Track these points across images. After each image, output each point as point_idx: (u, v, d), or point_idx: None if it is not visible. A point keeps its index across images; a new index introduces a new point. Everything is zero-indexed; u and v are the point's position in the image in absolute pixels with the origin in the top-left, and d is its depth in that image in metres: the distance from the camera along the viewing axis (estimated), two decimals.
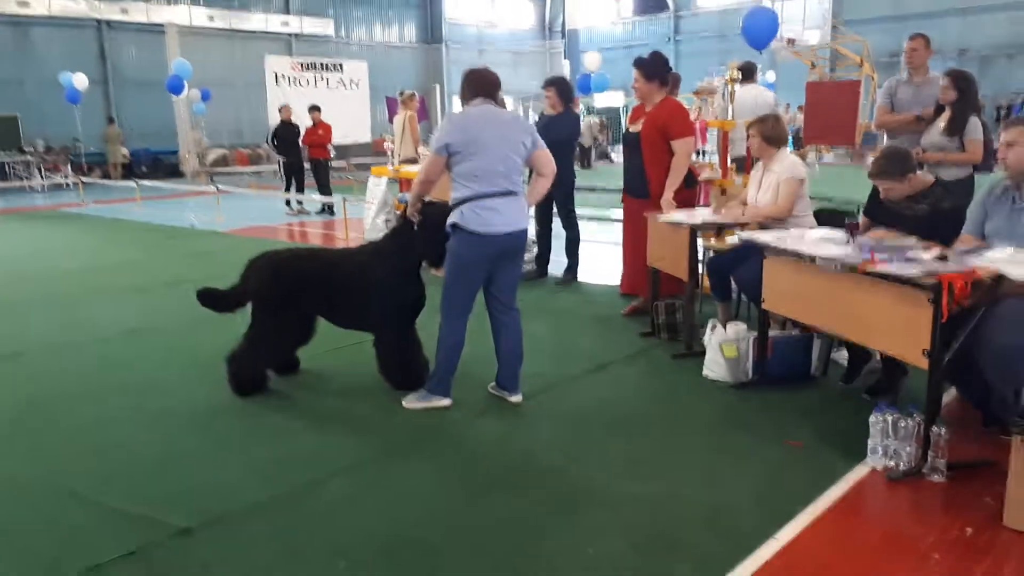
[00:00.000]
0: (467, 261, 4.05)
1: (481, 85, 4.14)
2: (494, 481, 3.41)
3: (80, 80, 19.18)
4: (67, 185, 18.87)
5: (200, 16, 23.42)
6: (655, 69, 5.57)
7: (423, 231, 4.27)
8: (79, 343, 5.64)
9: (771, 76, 23.51)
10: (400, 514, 3.13)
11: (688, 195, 5.71)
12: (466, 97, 4.15)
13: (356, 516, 3.11)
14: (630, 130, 5.85)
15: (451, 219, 4.03)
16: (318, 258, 4.63)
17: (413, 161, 9.79)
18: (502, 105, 4.23)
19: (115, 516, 3.14)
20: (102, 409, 4.32)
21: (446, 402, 4.24)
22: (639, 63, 5.59)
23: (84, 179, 17.64)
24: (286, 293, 4.39)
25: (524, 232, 4.14)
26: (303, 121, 13.73)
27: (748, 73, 7.41)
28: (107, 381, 4.79)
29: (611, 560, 2.77)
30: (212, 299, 4.59)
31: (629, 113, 6.13)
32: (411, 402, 4.25)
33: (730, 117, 6.35)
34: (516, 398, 4.31)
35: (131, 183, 15.85)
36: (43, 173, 19.83)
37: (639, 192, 5.75)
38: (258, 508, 3.18)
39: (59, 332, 5.94)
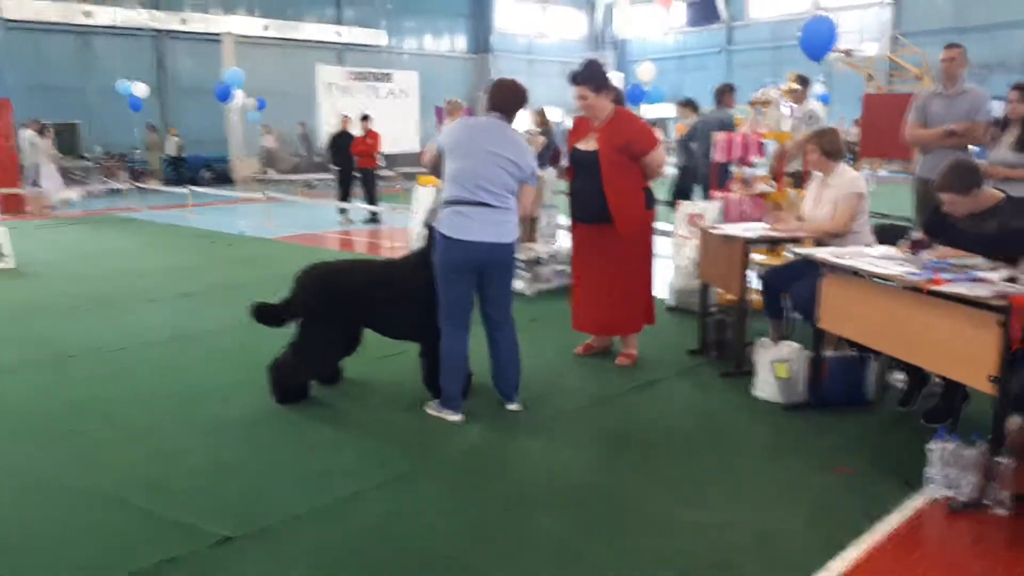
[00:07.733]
0: (445, 266, 4.09)
1: (501, 99, 4.17)
2: (537, 500, 3.34)
3: (140, 89, 19.64)
4: (123, 190, 19.34)
5: (255, 26, 23.92)
6: (603, 79, 4.82)
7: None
8: (130, 347, 5.71)
9: (819, 88, 23.05)
10: (441, 531, 3.08)
11: (649, 216, 5.04)
12: (486, 107, 4.19)
13: (396, 532, 3.07)
14: (579, 148, 4.95)
15: (431, 219, 4.11)
16: (365, 269, 4.60)
17: None
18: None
19: (159, 522, 3.15)
20: (150, 415, 4.35)
21: (455, 418, 4.17)
22: (583, 78, 4.75)
23: (139, 184, 18.04)
24: (335, 307, 4.38)
25: (506, 247, 4.12)
26: (360, 132, 13.66)
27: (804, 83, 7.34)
28: (156, 386, 4.83)
29: None
30: (266, 314, 4.59)
31: (570, 129, 5.17)
32: (430, 407, 4.27)
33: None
34: (514, 406, 4.31)
35: (184, 189, 16.16)
36: (101, 178, 20.35)
37: (594, 217, 4.89)
38: (299, 520, 3.16)
39: (110, 336, 6.02)
